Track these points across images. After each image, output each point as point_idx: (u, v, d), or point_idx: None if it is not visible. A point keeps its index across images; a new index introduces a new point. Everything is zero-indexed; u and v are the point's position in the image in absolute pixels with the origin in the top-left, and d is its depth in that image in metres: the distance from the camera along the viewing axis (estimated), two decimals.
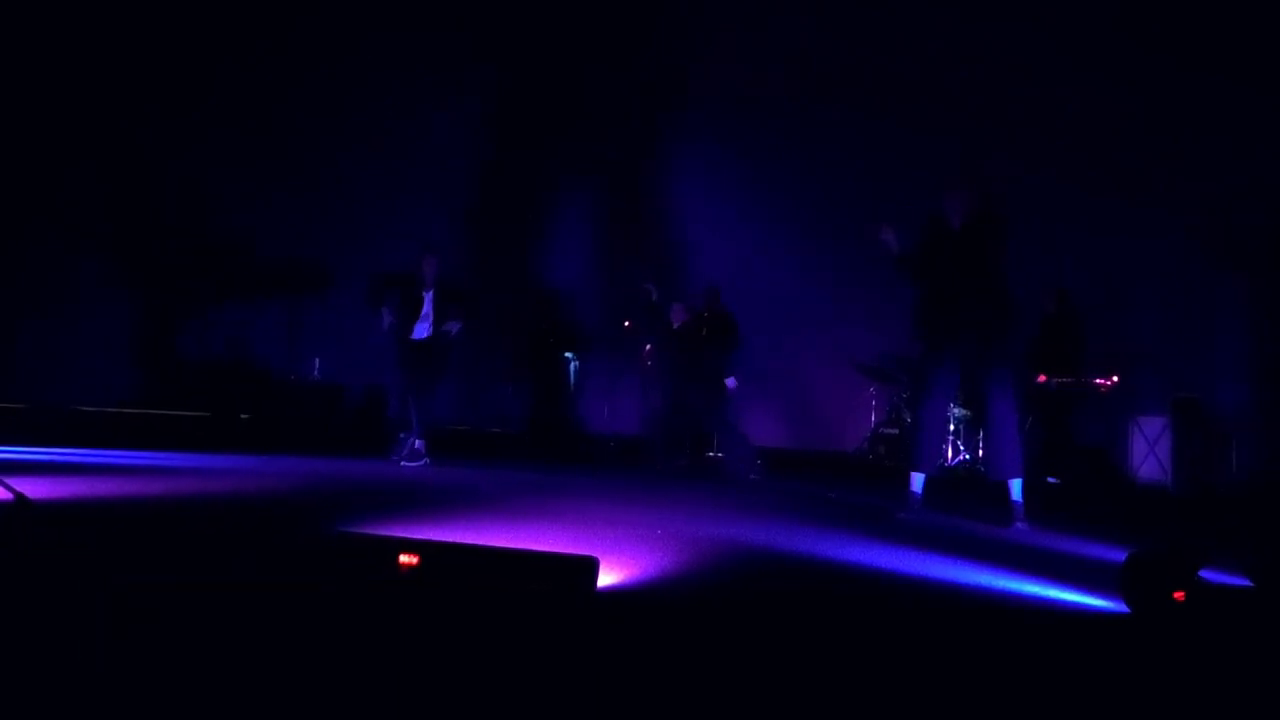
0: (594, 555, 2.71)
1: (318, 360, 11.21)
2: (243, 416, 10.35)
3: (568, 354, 11.63)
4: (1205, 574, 2.68)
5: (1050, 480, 8.45)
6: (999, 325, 5.03)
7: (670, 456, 8.13)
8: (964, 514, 5.58)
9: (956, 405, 9.61)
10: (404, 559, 2.67)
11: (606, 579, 2.85)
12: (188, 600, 2.52)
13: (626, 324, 11.92)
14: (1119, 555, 2.94)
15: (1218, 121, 9.64)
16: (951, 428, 9.96)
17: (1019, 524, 4.99)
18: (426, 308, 7.29)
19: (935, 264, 5.10)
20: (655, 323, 8.87)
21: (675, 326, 8.41)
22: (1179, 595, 2.59)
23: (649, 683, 2.05)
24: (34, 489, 3.84)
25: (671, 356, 8.42)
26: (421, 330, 7.30)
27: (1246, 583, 2.99)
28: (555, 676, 2.06)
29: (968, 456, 9.77)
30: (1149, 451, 8.76)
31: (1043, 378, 8.93)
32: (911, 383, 8.97)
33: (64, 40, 10.16)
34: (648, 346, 11.78)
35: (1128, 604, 2.81)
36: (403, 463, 7.08)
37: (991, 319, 5.00)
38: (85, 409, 9.78)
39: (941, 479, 8.20)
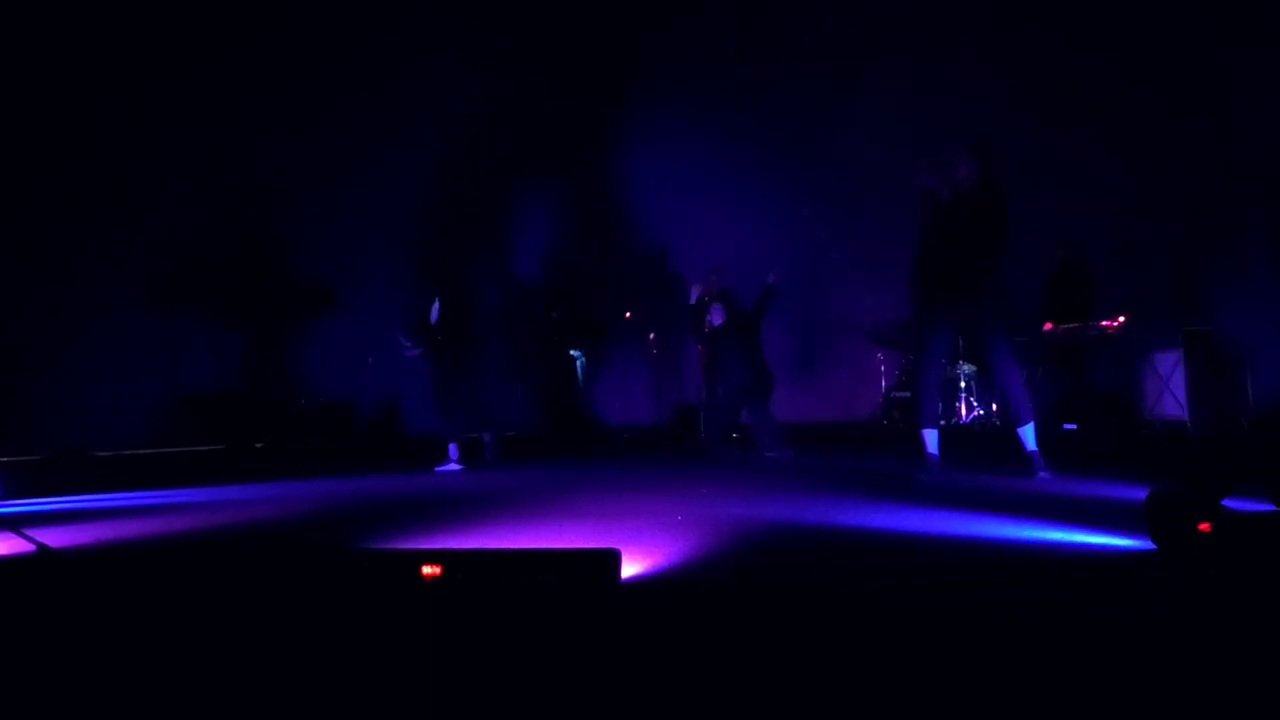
0: (616, 547, 2.70)
1: (326, 380, 11.25)
2: (257, 445, 10.39)
3: (573, 351, 11.63)
4: (1229, 503, 2.66)
5: (1068, 427, 8.42)
6: (991, 287, 5.15)
7: (716, 442, 8.04)
8: (984, 470, 5.58)
9: (965, 362, 9.59)
10: (426, 570, 2.67)
11: (630, 569, 2.85)
12: (223, 630, 2.52)
13: (628, 315, 11.92)
14: (1142, 494, 2.92)
15: (1216, 51, 9.55)
16: (963, 385, 9.94)
17: (1041, 474, 5.02)
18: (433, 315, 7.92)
19: (928, 232, 5.25)
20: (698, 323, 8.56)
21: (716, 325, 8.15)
22: (1204, 526, 2.57)
23: (677, 674, 2.05)
24: (55, 538, 3.85)
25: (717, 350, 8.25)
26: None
27: (1271, 508, 2.97)
28: (584, 674, 2.06)
29: (982, 412, 9.75)
30: (1164, 388, 8.68)
31: (1049, 325, 8.89)
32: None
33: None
34: (651, 335, 11.75)
35: (1154, 540, 2.79)
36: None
37: (983, 282, 5.12)
38: (101, 454, 9.82)
39: (958, 437, 8.17)
